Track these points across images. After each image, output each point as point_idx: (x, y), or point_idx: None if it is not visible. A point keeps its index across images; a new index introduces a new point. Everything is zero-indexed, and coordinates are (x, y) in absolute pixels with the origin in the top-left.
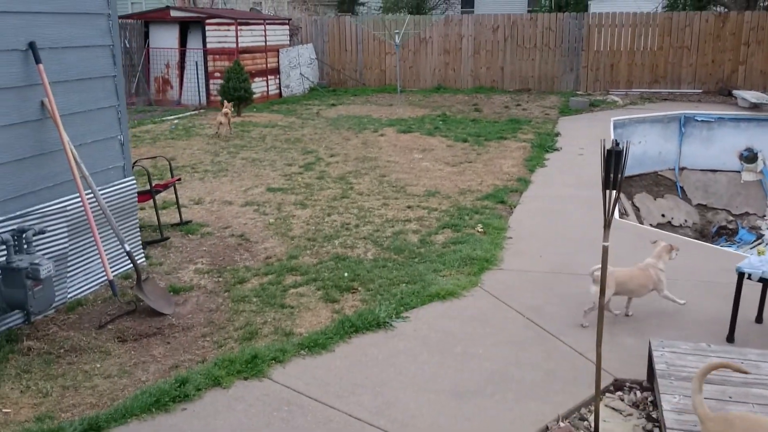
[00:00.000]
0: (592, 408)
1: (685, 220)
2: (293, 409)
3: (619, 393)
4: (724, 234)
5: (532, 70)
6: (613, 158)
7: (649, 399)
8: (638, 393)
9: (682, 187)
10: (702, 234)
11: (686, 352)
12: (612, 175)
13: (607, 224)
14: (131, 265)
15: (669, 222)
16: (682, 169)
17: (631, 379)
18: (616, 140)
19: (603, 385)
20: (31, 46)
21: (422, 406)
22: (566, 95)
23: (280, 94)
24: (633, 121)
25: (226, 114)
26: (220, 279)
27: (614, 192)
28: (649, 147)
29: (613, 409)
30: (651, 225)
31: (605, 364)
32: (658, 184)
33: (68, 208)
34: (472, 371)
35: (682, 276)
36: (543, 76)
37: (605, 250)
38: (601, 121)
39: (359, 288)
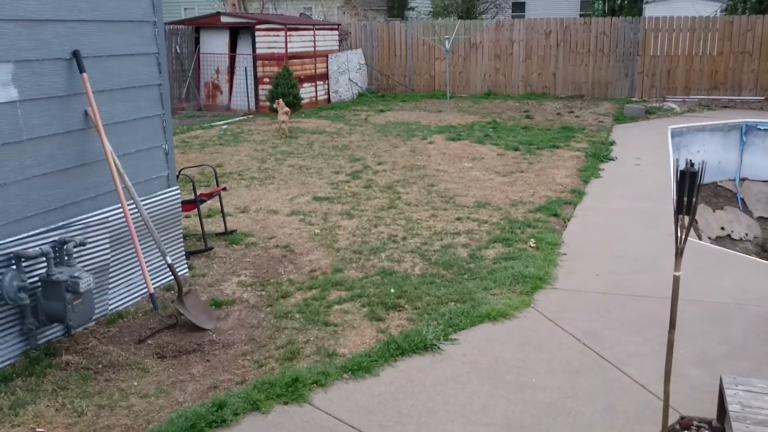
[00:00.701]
0: None
1: (746, 234)
2: None
3: None
4: None
5: (585, 75)
6: (687, 180)
7: None
8: None
9: (742, 199)
10: (763, 249)
11: (764, 392)
12: (686, 199)
13: (680, 252)
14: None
15: (728, 235)
16: (743, 179)
17: (699, 417)
18: (690, 160)
19: (668, 423)
20: (75, 54)
21: None
22: (621, 102)
23: (328, 99)
24: (691, 130)
25: (287, 113)
26: (263, 293)
27: (688, 217)
28: (708, 156)
29: None
30: (710, 238)
31: (670, 399)
32: (718, 195)
33: (110, 219)
34: (525, 403)
35: (753, 300)
36: (596, 82)
37: (677, 280)
38: (658, 129)
39: (406, 306)
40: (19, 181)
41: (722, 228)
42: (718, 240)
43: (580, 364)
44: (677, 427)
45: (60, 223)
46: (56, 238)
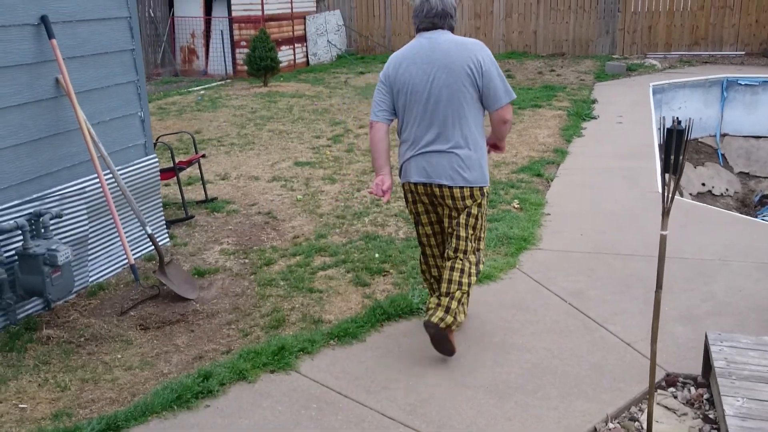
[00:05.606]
0: (643, 407)
1: (726, 189)
2: (322, 407)
3: (672, 389)
4: (767, 203)
5: (566, 33)
6: (674, 138)
7: (705, 396)
8: (693, 389)
9: (723, 155)
10: (744, 203)
11: (748, 347)
12: (672, 158)
13: (666, 212)
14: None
15: (709, 191)
16: (723, 135)
17: (684, 373)
18: (677, 118)
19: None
20: (44, 20)
21: (459, 404)
22: (602, 59)
23: (307, 62)
24: (673, 86)
25: None
26: (246, 260)
27: (675, 175)
28: (689, 113)
29: (666, 407)
30: (691, 195)
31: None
32: (699, 151)
33: (87, 189)
34: (511, 364)
35: (736, 256)
36: (578, 39)
37: (663, 239)
38: (640, 86)
39: (391, 270)
40: None
41: (703, 184)
42: (699, 196)
43: (567, 324)
44: (663, 384)
45: (35, 195)
46: (32, 210)
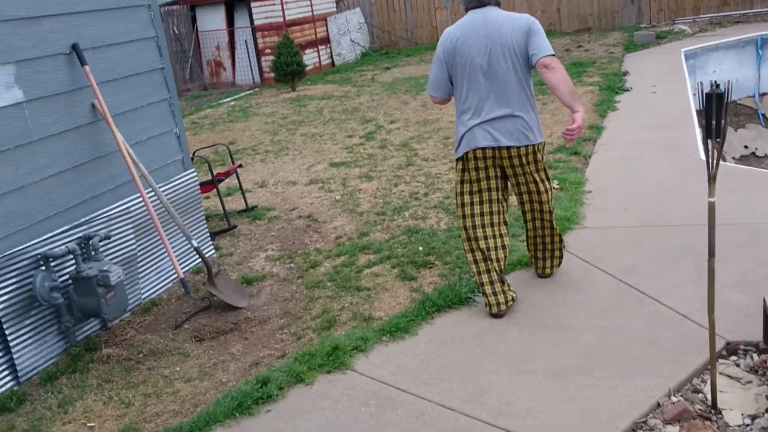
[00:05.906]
0: (706, 378)
1: None
2: (382, 403)
3: (734, 358)
4: None
5: (590, 6)
6: (714, 102)
7: None
8: (755, 356)
9: (764, 115)
10: None
11: None
12: (714, 122)
13: (713, 178)
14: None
15: (753, 153)
16: (762, 95)
17: (745, 340)
18: (715, 82)
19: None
20: (75, 47)
21: (517, 390)
22: (629, 30)
23: (332, 63)
24: (705, 50)
25: None
26: (292, 265)
27: (718, 140)
28: (724, 75)
29: (729, 376)
30: (734, 158)
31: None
32: (738, 114)
33: (131, 209)
34: (567, 346)
35: None
36: (602, 12)
37: (712, 207)
38: (671, 53)
39: (436, 262)
40: (37, 182)
41: (746, 147)
42: (742, 159)
43: (619, 301)
44: (724, 353)
45: (82, 219)
46: (81, 234)
